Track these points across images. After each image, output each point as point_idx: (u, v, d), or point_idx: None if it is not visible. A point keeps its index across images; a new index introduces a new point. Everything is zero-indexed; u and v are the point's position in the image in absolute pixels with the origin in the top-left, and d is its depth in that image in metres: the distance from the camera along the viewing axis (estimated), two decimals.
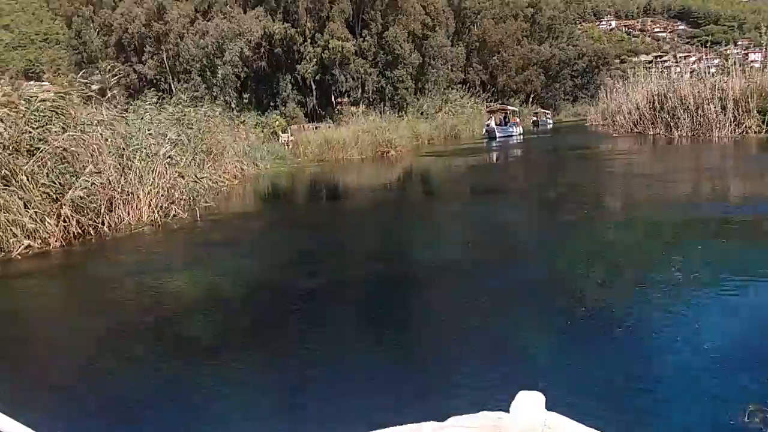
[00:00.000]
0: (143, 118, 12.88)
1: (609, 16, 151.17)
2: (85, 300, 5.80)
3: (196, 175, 12.10)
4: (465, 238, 7.26)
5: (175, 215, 10.36)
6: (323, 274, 5.95)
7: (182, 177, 13.06)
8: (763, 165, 12.79)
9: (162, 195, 10.48)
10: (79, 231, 8.78)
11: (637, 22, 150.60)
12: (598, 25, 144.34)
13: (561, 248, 6.26)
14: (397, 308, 4.73)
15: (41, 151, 8.47)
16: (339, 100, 47.38)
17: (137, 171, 10.26)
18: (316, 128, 37.42)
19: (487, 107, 44.72)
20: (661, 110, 22.71)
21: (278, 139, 37.16)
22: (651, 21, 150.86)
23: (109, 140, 10.31)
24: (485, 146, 29.20)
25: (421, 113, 44.78)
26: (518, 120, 39.82)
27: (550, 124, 53.10)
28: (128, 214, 9.85)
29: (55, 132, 8.80)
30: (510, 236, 7.49)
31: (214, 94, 41.92)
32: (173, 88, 40.62)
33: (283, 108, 44.91)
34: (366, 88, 46.91)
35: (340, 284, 5.52)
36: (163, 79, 43.92)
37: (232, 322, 4.66)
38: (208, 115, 18.52)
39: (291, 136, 37.40)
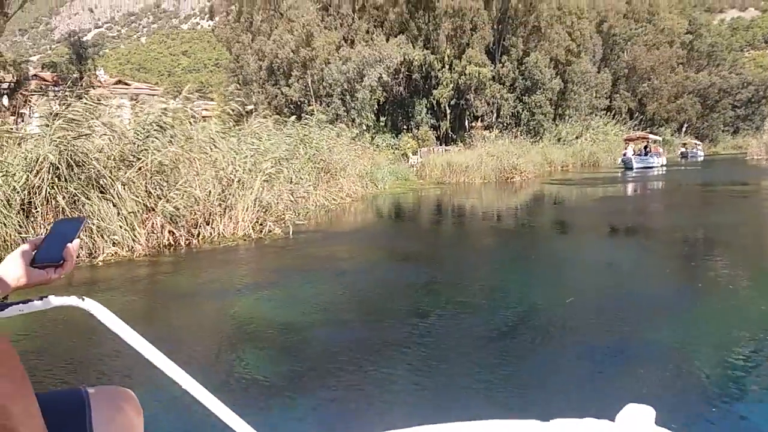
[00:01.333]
0: (259, 137, 13.26)
1: None
2: (140, 317, 5.81)
3: (292, 193, 12.17)
4: (568, 291, 6.22)
5: (270, 231, 10.44)
6: (400, 318, 5.28)
7: (292, 194, 13.33)
8: None
9: (259, 211, 10.62)
10: (171, 241, 9.08)
11: None
12: None
13: (697, 320, 5.06)
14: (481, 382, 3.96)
15: (141, 162, 8.89)
16: (473, 124, 46.89)
17: (237, 186, 10.50)
18: (445, 151, 37.21)
19: (627, 135, 41.53)
20: None
21: (408, 161, 37.44)
22: None
23: (216, 155, 10.68)
24: (620, 176, 27.06)
25: (559, 139, 42.97)
26: (661, 150, 36.56)
27: (700, 156, 48.29)
28: (224, 227, 10.08)
29: (157, 147, 9.21)
30: (627, 295, 6.08)
31: (353, 116, 43.33)
32: (315, 110, 42.60)
33: (416, 131, 45.38)
34: (501, 112, 46.01)
35: (414, 335, 4.86)
36: (306, 102, 46.21)
37: (284, 359, 4.31)
38: (330, 136, 18.88)
39: (420, 158, 37.49)
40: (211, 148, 10.65)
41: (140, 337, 1.19)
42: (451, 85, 45.27)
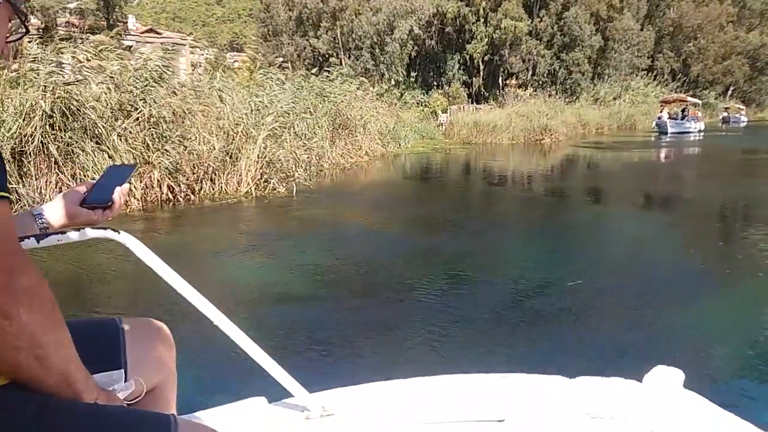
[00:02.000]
0: (269, 90, 12.76)
1: None
2: (111, 273, 5.54)
3: (305, 150, 11.64)
4: (582, 266, 5.79)
5: (273, 189, 10.07)
6: (395, 291, 4.94)
7: (304, 150, 12.91)
8: None
9: (263, 168, 10.23)
10: (170, 197, 8.80)
11: None
12: None
13: (720, 305, 4.61)
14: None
15: (138, 112, 8.54)
16: (507, 81, 45.36)
17: (242, 141, 10.11)
18: (476, 109, 36.09)
19: (663, 97, 38.93)
20: None
21: (437, 119, 36.46)
22: None
23: (222, 108, 10.27)
24: (653, 141, 25.86)
25: (596, 100, 41.37)
26: (699, 114, 34.51)
27: (743, 122, 45.76)
28: (226, 183, 9.75)
29: (158, 96, 8.83)
30: (644, 274, 5.63)
31: (382, 71, 42.28)
32: (344, 63, 41.71)
33: (447, 88, 44.10)
34: (537, 70, 44.32)
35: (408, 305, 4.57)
36: (335, 54, 45.23)
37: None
38: (350, 90, 18.18)
39: (450, 116, 36.45)
40: (220, 100, 10.22)
41: (173, 272, 1.20)
42: (486, 40, 43.63)
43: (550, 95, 35.48)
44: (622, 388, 1.37)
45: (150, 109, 8.65)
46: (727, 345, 3.67)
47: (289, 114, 12.33)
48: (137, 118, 8.57)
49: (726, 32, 53.86)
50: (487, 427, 1.34)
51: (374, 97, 24.58)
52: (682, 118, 31.49)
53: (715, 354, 3.53)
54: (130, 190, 8.18)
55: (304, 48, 46.27)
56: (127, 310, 4.30)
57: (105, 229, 1.15)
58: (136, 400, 1.09)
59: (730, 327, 4.02)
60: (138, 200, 8.22)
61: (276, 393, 1.40)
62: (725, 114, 47.12)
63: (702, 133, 30.35)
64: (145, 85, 8.90)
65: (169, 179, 8.74)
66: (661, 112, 31.48)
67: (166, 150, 8.50)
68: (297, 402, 1.41)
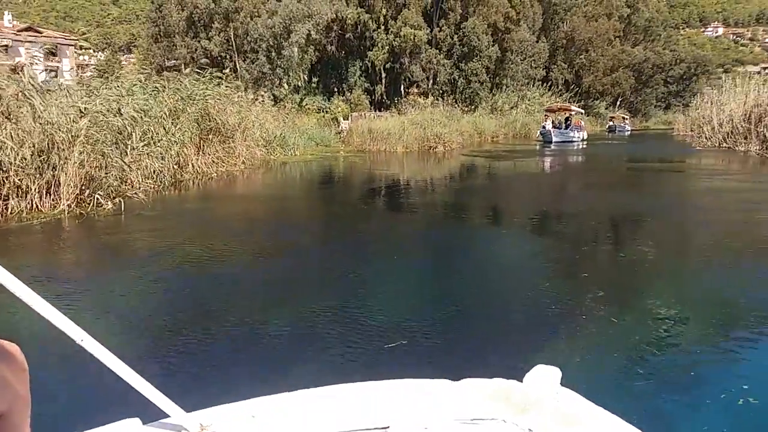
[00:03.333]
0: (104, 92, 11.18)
1: (716, 23, 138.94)
2: None
3: (124, 161, 9.89)
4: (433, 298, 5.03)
5: (98, 206, 8.57)
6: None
7: (159, 158, 11.47)
8: None
9: (86, 180, 8.71)
10: None
11: (748, 31, 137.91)
12: (704, 31, 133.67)
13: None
14: None
15: None
16: (409, 90, 45.20)
17: (63, 150, 8.56)
18: (376, 117, 35.46)
19: (547, 106, 39.44)
20: (758, 125, 19.24)
21: (338, 126, 35.50)
22: (763, 30, 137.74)
23: (34, 110, 8.67)
24: (538, 150, 26.08)
25: (494, 109, 41.98)
26: (582, 124, 35.37)
27: (627, 131, 48.21)
28: (39, 199, 8.19)
29: None
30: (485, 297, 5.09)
31: (279, 75, 40.86)
32: (238, 67, 39.91)
33: (349, 94, 43.29)
34: (438, 79, 44.47)
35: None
36: (228, 57, 43.28)
37: None
38: (223, 92, 16.72)
39: (351, 123, 35.60)
40: (25, 105, 8.59)
41: (27, 287, 1.11)
42: (387, 48, 43.27)
43: (449, 104, 35.45)
44: (504, 388, 1.41)
45: None
46: (601, 351, 3.82)
47: (136, 118, 10.83)
48: None
49: (614, 46, 56.60)
50: None
51: (269, 102, 23.35)
52: (566, 128, 32.06)
53: (591, 359, 3.67)
54: None
55: (196, 50, 44.02)
56: None
57: None
58: None
59: (605, 335, 4.08)
60: None
61: (151, 414, 1.30)
62: (611, 123, 49.24)
63: (585, 142, 30.99)
64: None
65: None
66: (545, 121, 31.71)
67: None
68: (173, 422, 1.33)
